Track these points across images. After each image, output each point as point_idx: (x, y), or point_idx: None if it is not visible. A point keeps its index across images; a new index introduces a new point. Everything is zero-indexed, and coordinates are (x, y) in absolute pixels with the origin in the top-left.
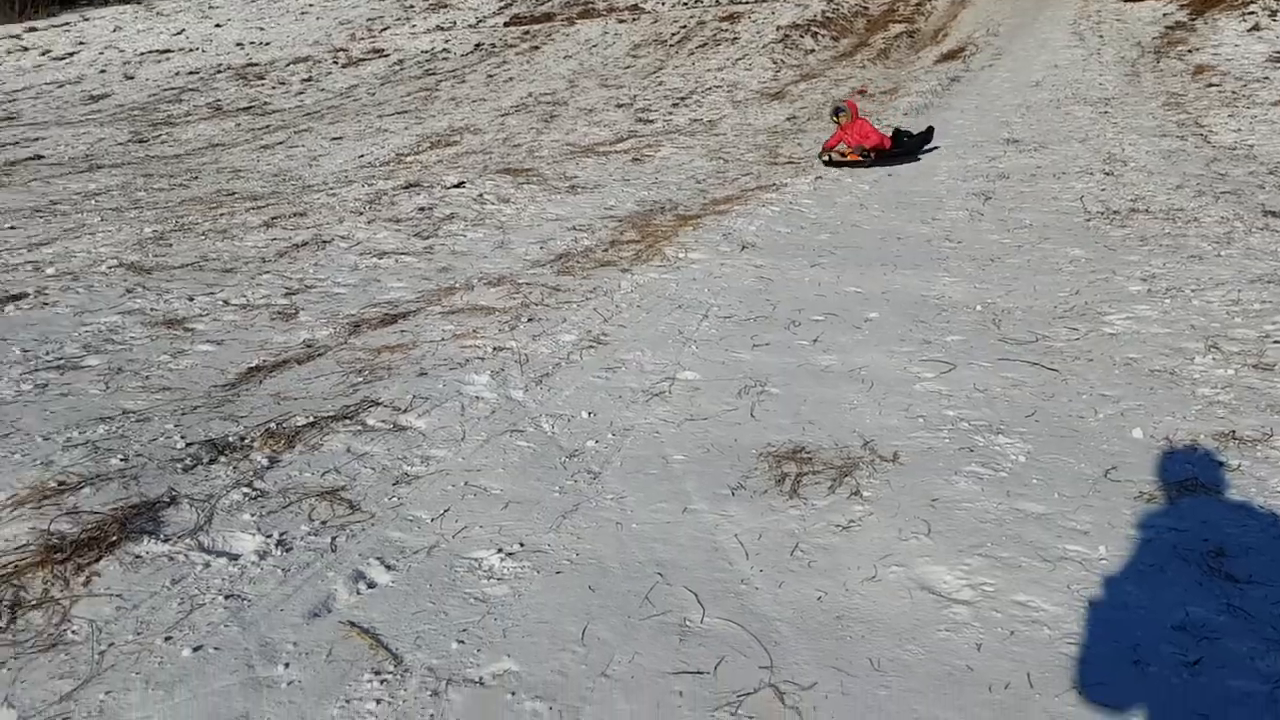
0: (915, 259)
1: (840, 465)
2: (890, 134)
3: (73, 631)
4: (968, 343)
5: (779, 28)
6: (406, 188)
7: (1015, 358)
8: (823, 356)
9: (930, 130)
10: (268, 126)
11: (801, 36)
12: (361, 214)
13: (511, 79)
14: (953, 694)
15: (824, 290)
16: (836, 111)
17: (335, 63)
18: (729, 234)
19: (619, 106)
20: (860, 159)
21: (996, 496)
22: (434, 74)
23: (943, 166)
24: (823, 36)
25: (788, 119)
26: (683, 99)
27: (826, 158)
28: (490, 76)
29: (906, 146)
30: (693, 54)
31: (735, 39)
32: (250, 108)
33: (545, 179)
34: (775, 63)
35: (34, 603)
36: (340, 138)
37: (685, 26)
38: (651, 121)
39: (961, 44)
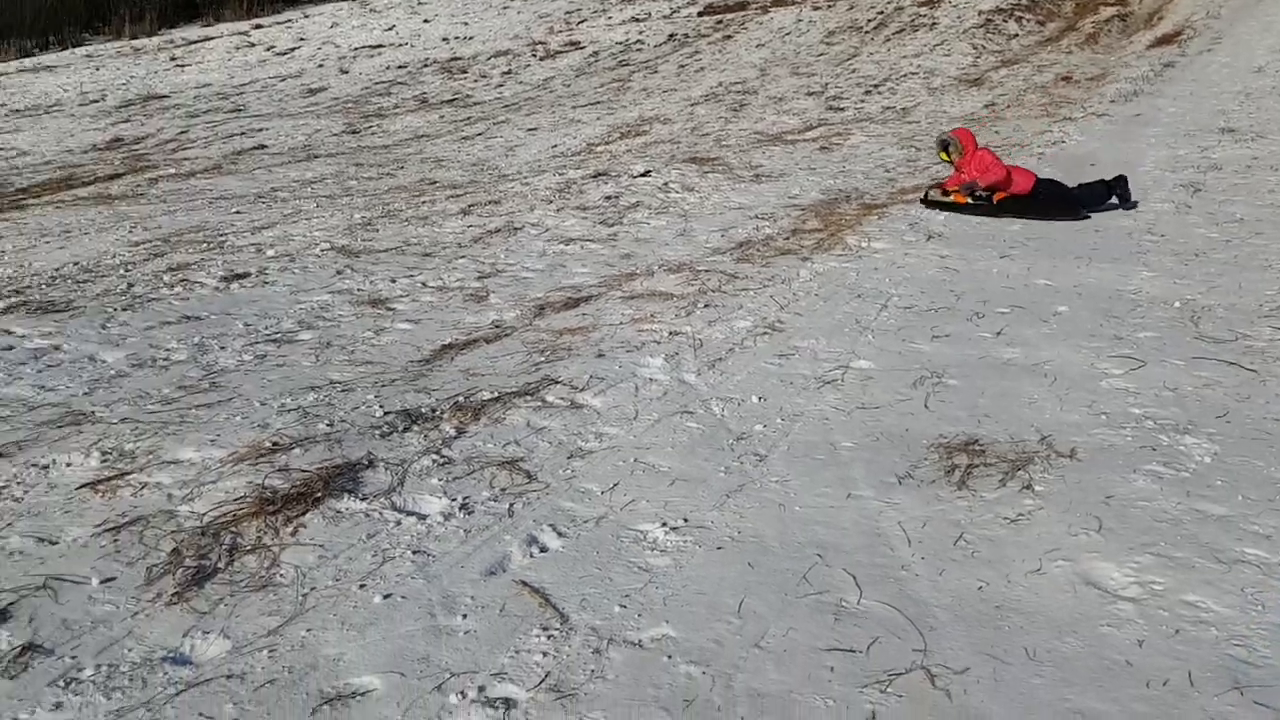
0: (1113, 252)
1: (1014, 459)
2: (1039, 175)
3: (281, 575)
4: (1161, 340)
5: (981, 12)
6: (595, 176)
7: (1212, 356)
8: (1005, 350)
9: (1121, 180)
10: (469, 118)
11: (1005, 21)
12: (551, 202)
13: (703, 68)
14: (1108, 687)
15: (1012, 282)
16: (944, 146)
17: (534, 55)
18: (915, 223)
19: (810, 94)
20: (969, 200)
21: (1176, 496)
22: (627, 65)
23: (1150, 156)
24: (1027, 21)
25: (985, 106)
26: (876, 86)
27: (924, 195)
28: (682, 66)
29: (1077, 195)
30: (889, 40)
31: (934, 24)
32: (453, 100)
33: (730, 167)
34: (975, 48)
35: (249, 548)
36: (535, 129)
37: (882, 12)
38: (842, 109)
39: (1178, 27)
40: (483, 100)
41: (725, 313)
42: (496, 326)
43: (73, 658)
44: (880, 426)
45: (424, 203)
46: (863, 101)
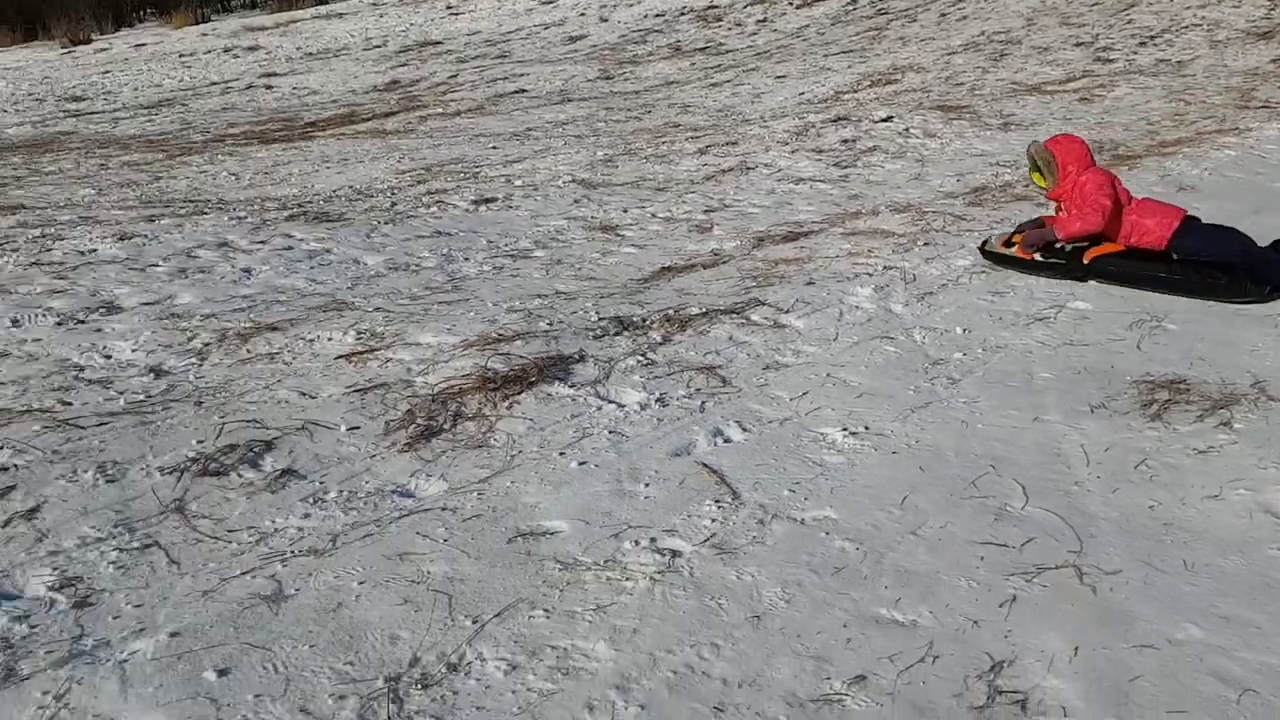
0: None
1: (1218, 399)
2: (1193, 215)
3: (494, 439)
4: None
5: None
6: (834, 121)
7: None
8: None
9: None
10: (719, 65)
11: None
12: (787, 144)
13: (965, 17)
14: (1263, 601)
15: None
16: (1036, 165)
17: (790, 3)
18: (1167, 175)
19: (1077, 45)
20: (1036, 256)
21: None
22: (885, 13)
23: None
24: None
25: (1272, 61)
26: (1151, 38)
27: (982, 243)
28: (943, 15)
29: (1263, 257)
30: None
31: None
32: (706, 48)
33: (978, 115)
34: None
35: (470, 416)
36: (784, 76)
37: None
38: (1111, 61)
39: None
40: (735, 48)
41: (945, 251)
42: (715, 254)
43: (320, 483)
44: (1084, 362)
45: (664, 143)
46: (1135, 54)
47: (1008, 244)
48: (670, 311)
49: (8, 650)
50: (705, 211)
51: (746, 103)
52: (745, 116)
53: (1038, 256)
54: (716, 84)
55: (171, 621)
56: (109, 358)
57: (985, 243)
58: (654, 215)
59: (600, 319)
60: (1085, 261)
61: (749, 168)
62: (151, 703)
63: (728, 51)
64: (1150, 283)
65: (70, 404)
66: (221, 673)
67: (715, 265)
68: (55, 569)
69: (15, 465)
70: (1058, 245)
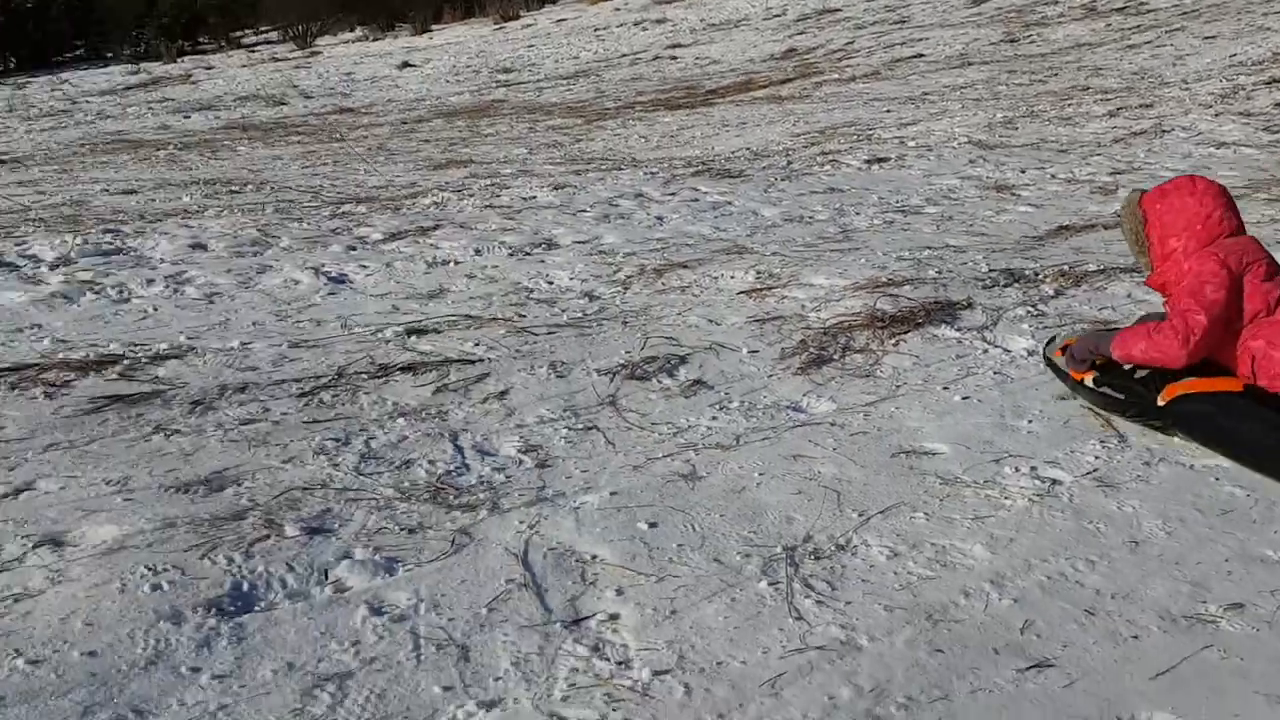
0: None
1: None
2: None
3: (880, 371)
4: None
5: None
6: (1269, 83)
7: None
8: None
9: None
10: (1138, 26)
11: None
12: (1210, 107)
13: None
14: None
15: None
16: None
17: None
18: None
19: None
20: (1088, 382)
21: None
22: None
23: None
24: None
25: None
26: None
27: (1046, 343)
28: None
29: None
30: None
31: None
32: (1124, 8)
33: None
34: None
35: (858, 349)
36: (1213, 37)
37: None
38: None
39: None
40: (1157, 7)
41: None
42: (1118, 217)
43: (725, 393)
44: None
45: (1069, 106)
46: None
47: (1064, 350)
48: (1065, 267)
49: (491, 490)
50: (1111, 174)
51: (1167, 65)
52: (1164, 79)
53: (1088, 380)
54: (1134, 45)
55: (610, 484)
56: (551, 283)
57: (1049, 342)
58: (1053, 176)
59: (990, 271)
60: (1160, 403)
61: (1164, 131)
62: (599, 539)
63: (1149, 11)
64: (1272, 456)
65: (525, 316)
66: (651, 525)
67: (1118, 226)
68: (521, 438)
69: (488, 358)
70: (1140, 372)
